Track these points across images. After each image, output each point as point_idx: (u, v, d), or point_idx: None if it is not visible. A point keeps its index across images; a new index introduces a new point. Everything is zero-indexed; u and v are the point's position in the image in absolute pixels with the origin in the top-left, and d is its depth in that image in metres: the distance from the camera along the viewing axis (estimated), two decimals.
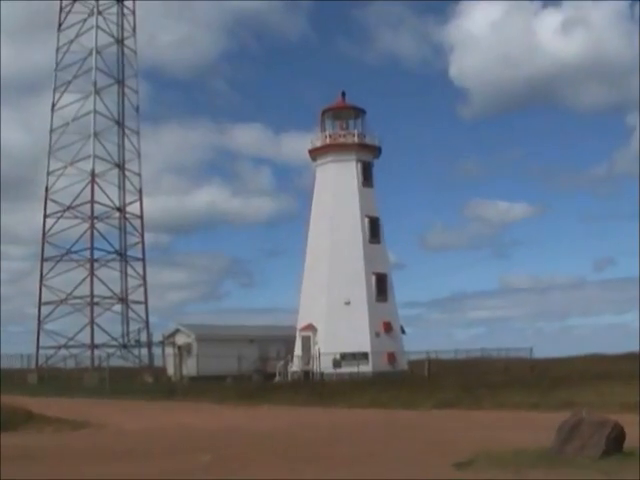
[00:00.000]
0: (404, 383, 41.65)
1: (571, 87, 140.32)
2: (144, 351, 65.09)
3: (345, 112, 58.92)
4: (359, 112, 59.12)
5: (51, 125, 65.67)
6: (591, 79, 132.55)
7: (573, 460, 13.76)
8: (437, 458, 15.88)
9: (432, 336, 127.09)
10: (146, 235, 68.45)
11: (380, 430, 23.39)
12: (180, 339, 60.13)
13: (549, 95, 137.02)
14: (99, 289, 62.50)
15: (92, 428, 24.81)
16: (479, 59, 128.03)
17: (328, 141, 57.66)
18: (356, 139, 57.41)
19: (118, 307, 64.75)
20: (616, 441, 14.21)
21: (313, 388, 41.58)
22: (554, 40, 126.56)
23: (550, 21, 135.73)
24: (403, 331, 57.00)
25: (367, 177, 57.33)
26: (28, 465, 16.51)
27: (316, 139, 58.61)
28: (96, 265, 62.59)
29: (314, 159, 58.71)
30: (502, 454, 15.09)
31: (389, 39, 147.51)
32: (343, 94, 59.25)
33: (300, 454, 17.51)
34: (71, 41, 65.22)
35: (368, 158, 57.82)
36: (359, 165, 56.86)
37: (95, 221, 62.86)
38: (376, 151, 58.37)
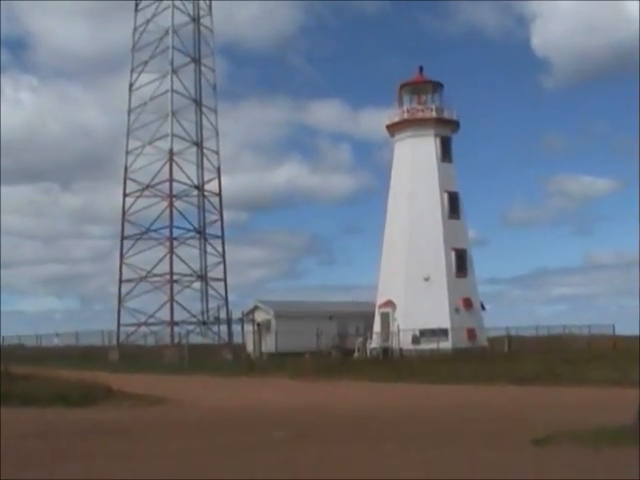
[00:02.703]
0: (483, 359, 41.20)
1: None
2: (223, 328, 65.33)
3: (423, 87, 58.19)
4: (437, 86, 58.36)
5: (129, 105, 66.04)
6: None
7: None
8: (515, 435, 15.53)
9: (513, 313, 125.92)
10: (225, 213, 68.66)
11: (458, 407, 23.05)
12: (259, 316, 60.29)
13: (636, 64, 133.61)
14: (178, 267, 62.89)
15: (169, 404, 24.89)
16: (562, 28, 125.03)
17: (406, 116, 57.03)
18: (434, 114, 56.67)
19: (197, 285, 65.10)
20: None
21: (392, 364, 41.36)
22: None
23: None
24: (483, 307, 56.39)
25: (446, 152, 56.63)
26: (103, 439, 16.56)
27: (394, 114, 58.00)
28: (175, 243, 62.91)
29: (392, 135, 58.17)
30: (581, 431, 14.64)
31: (469, 10, 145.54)
32: (421, 68, 58.54)
33: (378, 431, 17.29)
34: (148, 21, 65.39)
35: (446, 133, 57.09)
36: (437, 140, 56.17)
37: (174, 199, 63.12)
38: (454, 125, 57.61)
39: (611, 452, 12.87)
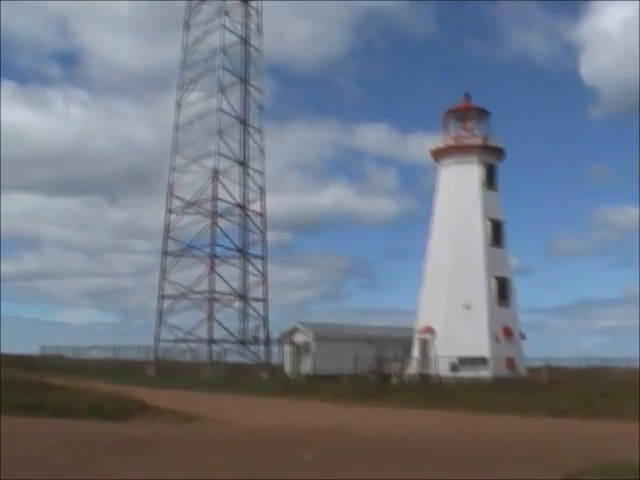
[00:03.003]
0: (521, 389, 40.70)
1: None
2: (262, 348, 65.39)
3: (468, 113, 57.96)
4: (483, 113, 58.11)
5: (176, 122, 66.64)
6: None
7: None
8: (548, 467, 15.27)
9: (554, 343, 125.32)
10: (268, 233, 68.99)
11: (492, 435, 22.76)
12: (298, 337, 60.18)
13: None
14: (219, 285, 63.21)
15: (202, 421, 24.79)
16: (611, 57, 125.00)
17: (451, 142, 56.84)
18: (479, 141, 56.45)
19: (237, 304, 65.23)
20: None
21: (429, 391, 40.96)
22: None
23: None
24: (523, 337, 55.76)
25: (490, 180, 56.26)
26: (131, 452, 16.49)
27: (439, 140, 57.86)
28: (217, 261, 63.25)
29: (437, 160, 57.94)
30: (615, 467, 14.31)
31: (518, 38, 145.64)
32: (467, 95, 58.37)
33: (410, 456, 17.08)
34: (197, 40, 66.12)
35: (492, 160, 56.73)
36: (482, 167, 55.81)
37: (217, 218, 63.41)
38: (500, 153, 57.23)
39: None
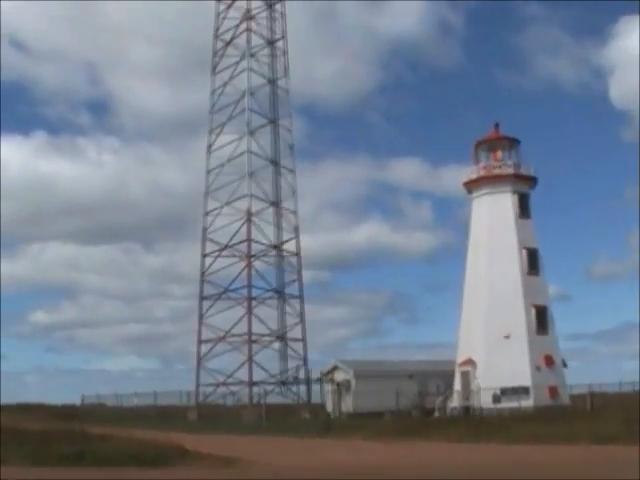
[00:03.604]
0: (565, 418, 40.26)
1: None
2: (302, 388, 65.18)
3: (499, 143, 57.87)
4: (513, 142, 58.04)
5: (207, 166, 67.03)
6: None
7: None
8: None
9: (598, 368, 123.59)
10: (305, 272, 69.02)
11: (535, 467, 22.50)
12: (339, 375, 59.96)
13: None
14: (257, 327, 63.08)
15: (243, 465, 24.70)
16: None
17: (482, 173, 56.79)
18: (511, 170, 56.33)
19: (276, 344, 65.15)
20: None
21: (471, 424, 40.61)
22: None
23: None
24: (565, 364, 55.31)
25: (524, 208, 56.09)
26: None
27: (471, 171, 57.83)
28: (254, 303, 63.18)
29: (470, 192, 57.89)
30: None
31: (545, 64, 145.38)
32: (496, 125, 58.34)
33: None
34: (225, 83, 66.71)
35: (524, 189, 56.58)
36: (515, 196, 55.69)
37: (252, 259, 63.53)
38: (532, 181, 57.08)
39: None
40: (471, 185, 57.31)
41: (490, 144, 57.94)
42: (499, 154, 57.58)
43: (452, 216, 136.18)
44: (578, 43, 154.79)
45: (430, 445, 31.69)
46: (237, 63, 66.31)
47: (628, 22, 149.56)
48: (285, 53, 68.97)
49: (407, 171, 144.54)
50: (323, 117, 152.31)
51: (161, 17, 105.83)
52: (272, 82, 67.25)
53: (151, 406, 62.42)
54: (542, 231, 57.56)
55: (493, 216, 55.59)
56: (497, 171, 56.60)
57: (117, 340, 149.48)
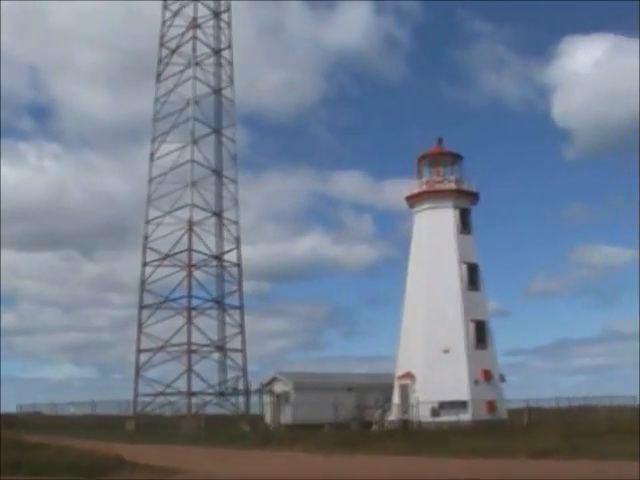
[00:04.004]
0: (503, 432, 40.62)
1: None
2: (241, 399, 64.91)
3: (441, 158, 58.30)
4: (456, 158, 58.48)
5: (150, 174, 66.59)
6: None
7: None
8: None
9: (535, 384, 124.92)
10: (246, 283, 68.77)
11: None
12: (278, 387, 59.91)
13: None
14: (197, 337, 62.63)
15: (181, 475, 24.54)
16: (583, 99, 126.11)
17: (424, 188, 57.12)
18: (453, 185, 56.78)
19: (216, 355, 64.80)
20: None
21: (410, 437, 40.79)
22: None
23: None
24: (503, 379, 55.71)
25: (465, 223, 56.50)
26: None
27: (413, 186, 58.14)
28: (194, 313, 62.74)
29: (411, 206, 58.17)
30: None
31: (490, 81, 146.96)
32: (440, 140, 58.76)
33: None
34: (169, 91, 66.31)
35: (465, 204, 57.04)
36: (456, 211, 56.10)
37: (193, 269, 63.19)
38: (474, 197, 57.57)
39: None
40: (413, 199, 57.60)
41: (433, 159, 58.32)
42: (442, 169, 58.04)
43: (393, 230, 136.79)
44: (522, 61, 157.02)
45: (369, 458, 31.75)
46: (182, 71, 65.96)
47: (571, 42, 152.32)
48: (231, 62, 68.87)
49: (349, 184, 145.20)
50: (267, 128, 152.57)
51: (106, 22, 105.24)
52: (217, 91, 67.07)
53: (89, 415, 61.87)
54: (483, 247, 58.20)
55: (434, 231, 55.91)
56: (439, 186, 56.96)
57: (55, 348, 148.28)
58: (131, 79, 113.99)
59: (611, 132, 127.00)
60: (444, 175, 57.76)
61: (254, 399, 63.98)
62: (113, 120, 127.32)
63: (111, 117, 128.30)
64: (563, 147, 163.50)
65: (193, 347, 61.99)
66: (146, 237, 65.72)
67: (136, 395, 63.82)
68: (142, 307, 65.31)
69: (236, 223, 67.16)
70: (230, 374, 64.85)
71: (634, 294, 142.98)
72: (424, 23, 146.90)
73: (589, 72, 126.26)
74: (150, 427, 56.34)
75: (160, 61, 68.32)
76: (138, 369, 64.11)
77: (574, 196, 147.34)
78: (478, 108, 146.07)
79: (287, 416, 57.56)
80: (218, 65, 67.90)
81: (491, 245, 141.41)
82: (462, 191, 56.84)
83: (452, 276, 54.54)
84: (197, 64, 65.90)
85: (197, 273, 64.16)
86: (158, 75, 68.17)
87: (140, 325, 64.75)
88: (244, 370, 65.43)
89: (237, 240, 67.05)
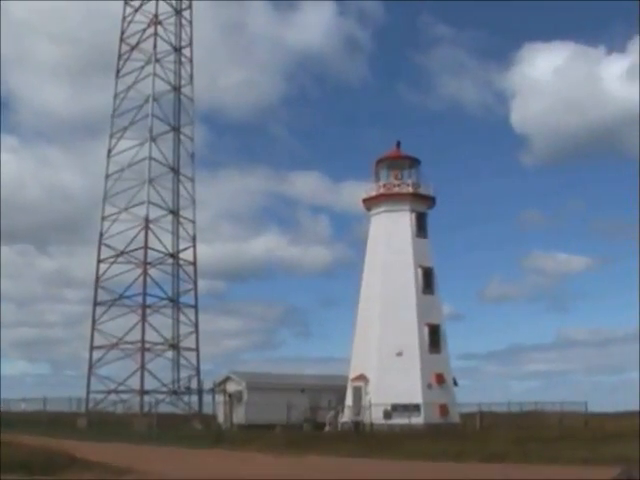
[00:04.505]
0: (454, 436, 40.89)
1: (636, 135, 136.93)
2: (194, 398, 64.74)
3: (399, 162, 58.60)
4: (414, 162, 58.78)
5: (107, 170, 66.18)
6: None
7: None
8: None
9: (488, 388, 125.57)
10: (201, 282, 68.60)
11: None
12: (231, 387, 59.78)
13: (614, 144, 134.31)
14: (151, 335, 62.41)
15: (134, 474, 24.44)
16: (542, 106, 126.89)
17: (382, 191, 57.37)
18: (410, 189, 57.03)
19: (169, 353, 64.57)
20: None
21: (362, 439, 40.93)
22: (619, 86, 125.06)
23: (615, 67, 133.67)
24: (455, 383, 56.08)
25: (421, 227, 56.82)
26: None
27: (370, 189, 58.36)
28: (148, 311, 62.50)
29: (368, 209, 58.41)
30: None
31: (450, 86, 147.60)
32: (398, 143, 59.03)
33: None
34: (129, 88, 65.98)
35: (422, 208, 57.34)
36: (413, 215, 56.40)
37: (148, 267, 62.92)
38: (430, 201, 57.90)
39: None
40: (370, 202, 57.83)
41: (391, 162, 58.60)
42: (399, 172, 58.28)
43: (350, 232, 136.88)
44: (482, 66, 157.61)
45: (320, 459, 31.82)
46: (142, 68, 65.66)
47: (532, 49, 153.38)
48: (191, 60, 68.72)
49: (307, 185, 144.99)
50: (226, 126, 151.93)
51: (66, 16, 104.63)
52: (176, 89, 66.88)
53: (40, 412, 61.20)
54: (438, 251, 58.50)
55: (390, 234, 56.16)
56: (396, 190, 57.23)
57: (7, 344, 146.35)
58: (90, 74, 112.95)
59: (568, 139, 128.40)
60: (401, 178, 57.98)
61: (207, 398, 63.85)
62: (71, 115, 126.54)
63: (69, 112, 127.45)
64: (520, 153, 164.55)
65: (147, 345, 61.77)
66: (102, 234, 65.30)
67: (88, 392, 63.37)
68: (96, 304, 64.91)
69: (192, 222, 67.02)
70: (183, 373, 64.76)
71: (588, 301, 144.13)
72: (386, 25, 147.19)
73: (548, 79, 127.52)
74: (102, 425, 55.88)
75: (120, 57, 68.00)
76: (91, 366, 63.72)
77: (530, 202, 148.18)
78: (437, 112, 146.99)
79: (240, 416, 57.46)
80: (178, 63, 67.72)
81: (447, 249, 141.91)
82: (419, 195, 57.13)
83: (407, 279, 54.80)
84: (157, 61, 65.63)
85: (152, 271, 63.99)
86: (118, 71, 67.82)
87: (94, 322, 64.35)
88: (197, 369, 65.35)
89: (193, 239, 66.93)
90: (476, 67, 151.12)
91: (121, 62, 67.87)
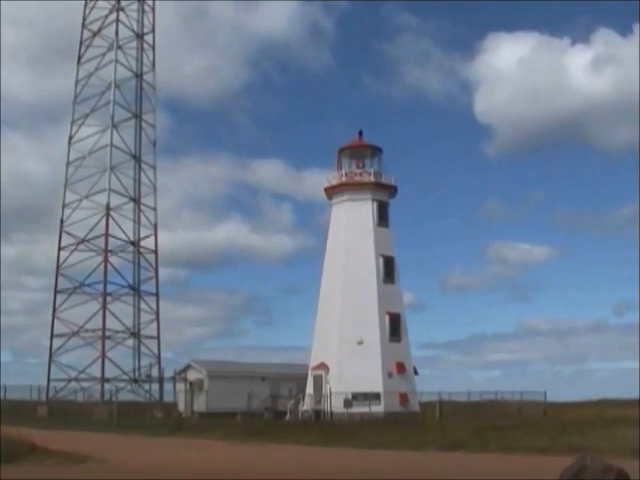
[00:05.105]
0: (414, 424, 41.19)
1: (600, 126, 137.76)
2: (155, 386, 64.64)
3: (361, 151, 58.83)
4: (376, 151, 59.00)
5: (68, 157, 65.81)
6: (621, 118, 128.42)
7: None
8: None
9: (449, 378, 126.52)
10: (163, 270, 68.57)
11: (380, 472, 23.02)
12: (192, 375, 59.83)
13: (577, 134, 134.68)
14: (111, 323, 62.18)
15: (93, 462, 24.51)
16: (505, 96, 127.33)
17: (344, 180, 57.50)
18: (372, 178, 57.19)
19: (130, 342, 64.40)
20: None
21: (322, 428, 41.15)
22: (583, 77, 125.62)
23: (579, 58, 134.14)
24: (416, 372, 56.49)
25: (382, 216, 57.03)
26: None
27: (332, 177, 58.46)
28: (109, 299, 62.27)
29: (330, 197, 58.51)
30: None
31: (414, 74, 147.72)
32: (360, 132, 59.24)
33: None
34: (90, 74, 65.57)
35: (384, 197, 57.56)
36: (374, 204, 56.58)
37: (109, 255, 62.68)
38: (392, 190, 58.11)
39: None
40: (332, 191, 57.94)
41: (353, 151, 58.80)
42: (361, 162, 58.52)
43: (312, 220, 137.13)
44: (446, 56, 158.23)
45: (280, 447, 32.01)
46: (104, 54, 65.25)
47: (496, 38, 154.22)
48: (153, 47, 68.40)
49: (269, 173, 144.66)
50: (188, 113, 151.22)
51: (28, 1, 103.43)
52: (138, 76, 66.57)
53: (0, 400, 60.90)
54: (400, 240, 58.80)
55: (352, 223, 56.31)
56: (358, 179, 57.40)
57: None
58: (52, 60, 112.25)
59: (532, 130, 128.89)
60: (363, 167, 58.18)
61: (168, 387, 63.76)
62: (32, 100, 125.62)
63: (30, 97, 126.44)
64: (483, 143, 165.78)
65: (107, 333, 61.55)
66: (62, 221, 64.96)
67: (49, 380, 63.16)
68: (57, 291, 64.62)
69: (154, 209, 66.79)
70: (144, 361, 64.57)
71: (548, 291, 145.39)
72: (350, 13, 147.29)
73: (512, 69, 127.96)
74: (62, 413, 55.72)
75: (82, 43, 67.51)
76: (51, 354, 63.48)
77: (492, 192, 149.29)
78: (400, 101, 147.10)
79: (201, 404, 57.57)
80: (140, 49, 67.33)
81: (408, 239, 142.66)
82: (381, 184, 57.33)
83: (368, 268, 55.00)
84: (119, 48, 65.24)
85: (113, 259, 63.72)
86: (79, 57, 67.33)
87: (55, 310, 64.06)
88: (158, 357, 65.20)
89: (154, 226, 66.70)
90: (440, 56, 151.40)
91: (83, 48, 67.38)
